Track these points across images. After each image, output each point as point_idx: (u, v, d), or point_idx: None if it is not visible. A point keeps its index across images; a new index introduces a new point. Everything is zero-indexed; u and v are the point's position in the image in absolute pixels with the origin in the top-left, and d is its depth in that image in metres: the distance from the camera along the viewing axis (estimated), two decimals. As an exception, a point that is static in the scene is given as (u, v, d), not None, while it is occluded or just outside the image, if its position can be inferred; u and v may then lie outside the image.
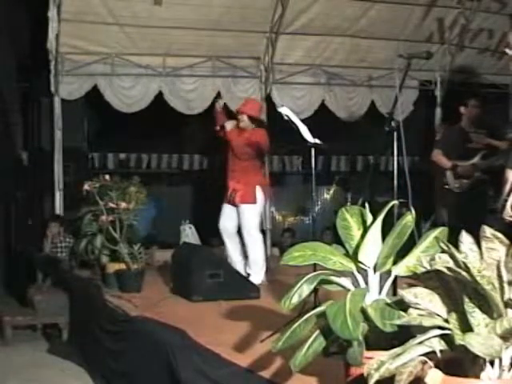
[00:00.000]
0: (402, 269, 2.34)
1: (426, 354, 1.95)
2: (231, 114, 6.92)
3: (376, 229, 2.37)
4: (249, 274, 6.14)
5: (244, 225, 6.27)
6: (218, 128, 6.64)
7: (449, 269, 1.93)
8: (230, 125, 6.51)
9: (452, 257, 1.94)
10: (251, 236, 6.22)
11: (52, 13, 8.29)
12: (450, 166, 6.47)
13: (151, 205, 10.63)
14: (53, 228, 8.29)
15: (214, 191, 10.53)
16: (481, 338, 1.85)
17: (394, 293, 2.63)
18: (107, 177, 6.13)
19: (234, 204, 6.30)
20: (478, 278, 1.85)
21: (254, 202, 6.27)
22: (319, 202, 12.82)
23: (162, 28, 8.81)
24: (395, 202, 2.82)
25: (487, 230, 1.97)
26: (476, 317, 1.90)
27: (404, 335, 2.05)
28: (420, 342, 1.95)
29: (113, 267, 6.01)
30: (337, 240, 2.53)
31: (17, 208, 10.64)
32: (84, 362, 5.49)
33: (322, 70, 9.86)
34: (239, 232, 6.38)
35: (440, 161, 6.59)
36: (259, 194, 6.33)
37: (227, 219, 6.37)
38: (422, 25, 9.52)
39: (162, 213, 11.07)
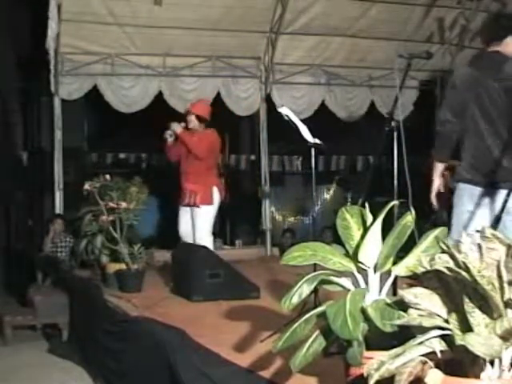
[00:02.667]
0: (402, 269, 2.34)
1: (426, 355, 1.95)
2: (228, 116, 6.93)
3: (376, 229, 2.37)
4: None
5: (198, 227, 6.37)
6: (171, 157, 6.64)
7: (449, 269, 1.93)
8: (178, 128, 6.49)
9: (452, 257, 1.94)
10: (201, 240, 6.27)
11: (52, 13, 8.30)
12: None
13: (154, 206, 10.65)
14: (57, 225, 8.28)
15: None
16: (481, 338, 1.85)
17: (394, 293, 2.63)
18: (107, 176, 6.13)
19: (192, 205, 6.37)
20: (478, 278, 1.85)
21: (211, 203, 6.39)
22: (319, 202, 12.82)
23: (162, 28, 8.81)
24: (395, 202, 2.82)
25: (487, 230, 1.97)
26: (476, 317, 1.90)
27: (404, 335, 2.05)
28: (420, 343, 1.95)
29: (113, 267, 6.01)
30: (337, 240, 2.53)
31: (17, 208, 10.64)
32: (84, 362, 5.49)
33: (322, 70, 9.87)
34: None
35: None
36: (216, 195, 6.45)
37: (187, 223, 6.47)
38: (422, 25, 9.53)
39: (166, 214, 11.07)
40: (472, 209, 3.87)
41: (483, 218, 3.78)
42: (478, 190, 3.87)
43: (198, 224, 6.39)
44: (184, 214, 6.51)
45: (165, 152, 6.75)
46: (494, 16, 4.38)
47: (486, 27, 4.18)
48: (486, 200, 3.80)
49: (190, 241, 6.41)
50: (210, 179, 6.46)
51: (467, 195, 3.92)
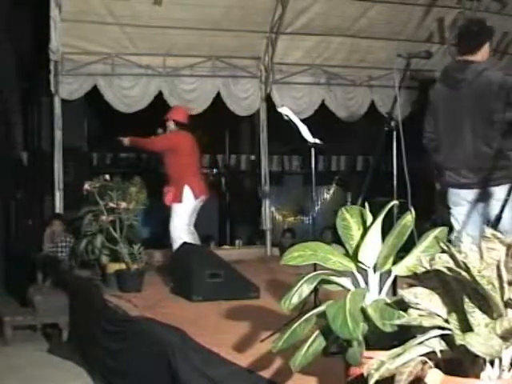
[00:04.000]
0: (401, 269, 2.34)
1: (426, 354, 1.95)
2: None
3: (376, 229, 2.37)
4: None
5: (172, 226, 6.81)
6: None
7: (449, 269, 1.93)
8: (125, 141, 7.09)
9: (452, 257, 1.94)
10: (178, 239, 6.61)
11: (53, 13, 8.30)
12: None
13: (159, 206, 10.64)
14: (54, 226, 8.28)
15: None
16: (481, 338, 1.85)
17: (394, 293, 2.63)
18: (107, 177, 6.14)
19: (168, 205, 6.85)
20: (478, 278, 1.85)
21: (179, 201, 6.77)
22: (319, 202, 12.83)
23: (162, 28, 8.81)
24: (395, 202, 2.82)
25: (487, 230, 1.97)
26: (476, 317, 1.90)
27: (404, 335, 2.05)
28: (420, 342, 1.95)
29: (113, 267, 6.01)
30: (337, 240, 2.53)
31: (17, 208, 10.64)
32: (84, 362, 5.49)
33: (322, 70, 9.87)
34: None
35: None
36: (187, 193, 6.77)
37: (169, 222, 6.93)
38: (422, 25, 9.53)
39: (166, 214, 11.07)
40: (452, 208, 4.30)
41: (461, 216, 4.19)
42: (453, 192, 4.28)
43: (171, 223, 6.82)
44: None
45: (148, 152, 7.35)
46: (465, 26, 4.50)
47: (464, 37, 4.29)
48: (461, 200, 4.19)
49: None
50: (181, 179, 6.79)
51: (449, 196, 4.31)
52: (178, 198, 6.79)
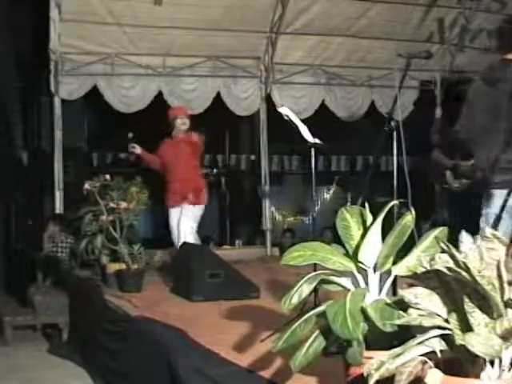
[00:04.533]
0: (401, 269, 2.34)
1: (426, 354, 1.95)
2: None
3: (376, 229, 2.37)
4: None
5: (181, 224, 6.82)
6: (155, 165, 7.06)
7: (449, 269, 1.93)
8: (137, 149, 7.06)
9: (452, 257, 1.94)
10: (179, 236, 6.79)
11: (53, 13, 8.30)
12: (451, 166, 6.47)
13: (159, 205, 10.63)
14: (50, 227, 8.28)
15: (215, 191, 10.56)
16: (481, 338, 1.85)
17: (394, 293, 2.63)
18: (107, 176, 6.14)
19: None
20: (478, 278, 1.85)
21: (199, 203, 6.90)
22: (319, 202, 12.83)
23: (162, 28, 8.81)
24: (395, 202, 2.82)
25: (487, 230, 1.97)
26: (476, 317, 1.90)
27: (404, 335, 2.05)
28: (420, 342, 1.95)
29: (113, 267, 6.01)
30: (337, 240, 2.53)
31: (17, 208, 10.63)
32: (84, 362, 5.49)
33: (322, 70, 9.87)
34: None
35: (441, 160, 6.59)
36: (205, 196, 7.00)
37: None
38: (422, 25, 9.53)
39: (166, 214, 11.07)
40: (495, 211, 3.99)
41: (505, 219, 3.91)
42: (497, 192, 4.02)
43: (182, 223, 6.81)
44: None
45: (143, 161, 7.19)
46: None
47: (505, 34, 4.17)
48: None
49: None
50: (200, 181, 7.05)
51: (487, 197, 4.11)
52: (199, 200, 6.79)
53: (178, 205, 6.82)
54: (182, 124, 6.86)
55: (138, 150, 6.96)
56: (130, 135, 6.89)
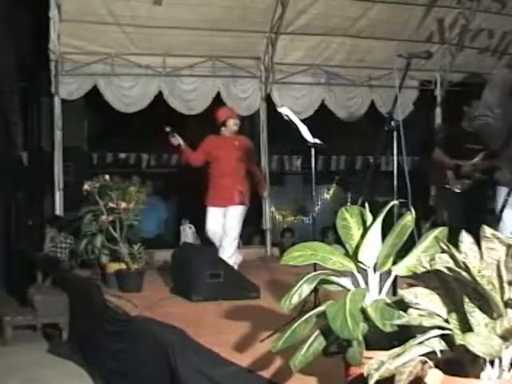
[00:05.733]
0: (401, 269, 2.34)
1: (426, 354, 1.95)
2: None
3: (376, 229, 2.37)
4: None
5: (229, 225, 6.71)
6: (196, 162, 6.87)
7: (449, 269, 1.93)
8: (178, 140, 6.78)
9: (452, 257, 1.94)
10: (226, 237, 6.69)
11: (53, 13, 8.30)
12: (453, 166, 6.47)
13: (161, 206, 10.66)
14: (48, 232, 8.29)
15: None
16: (481, 338, 1.85)
17: (394, 293, 2.63)
18: (107, 177, 6.14)
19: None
20: (478, 278, 1.85)
21: (246, 203, 6.75)
22: (319, 202, 12.83)
23: (162, 28, 8.81)
24: (395, 202, 2.82)
25: (487, 230, 1.97)
26: (476, 317, 1.90)
27: (404, 335, 2.05)
28: (420, 342, 1.95)
29: (113, 267, 6.01)
30: (337, 240, 2.53)
31: (17, 208, 10.63)
32: (84, 362, 5.49)
33: (322, 70, 9.87)
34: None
35: (442, 160, 6.59)
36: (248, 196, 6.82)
37: None
38: (422, 25, 9.53)
39: (166, 214, 11.09)
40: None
41: None
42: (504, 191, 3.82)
43: (231, 224, 6.71)
44: None
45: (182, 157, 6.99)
46: None
47: None
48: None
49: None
50: (245, 181, 6.88)
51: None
52: (243, 201, 6.66)
53: (221, 205, 6.65)
54: (234, 125, 6.85)
55: (178, 140, 6.68)
56: (168, 129, 6.65)
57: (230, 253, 6.49)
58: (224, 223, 6.60)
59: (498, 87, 3.93)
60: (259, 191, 6.92)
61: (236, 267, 6.34)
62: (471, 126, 4.05)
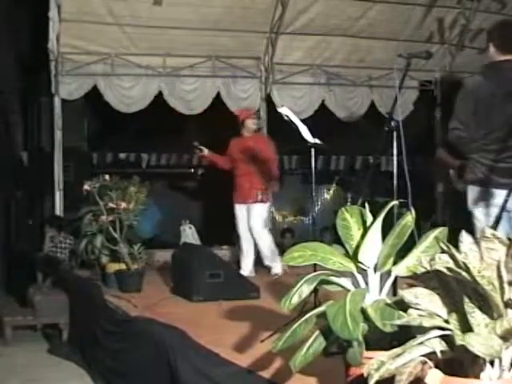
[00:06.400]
0: (402, 269, 2.34)
1: (426, 355, 1.95)
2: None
3: (376, 229, 2.37)
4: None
5: (254, 222, 7.03)
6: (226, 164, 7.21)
7: (449, 269, 1.93)
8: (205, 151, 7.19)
9: (452, 257, 1.94)
10: (252, 234, 7.05)
11: (53, 13, 8.30)
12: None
13: (155, 207, 10.64)
14: (48, 232, 8.29)
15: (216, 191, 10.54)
16: (481, 338, 1.85)
17: (394, 293, 2.63)
18: (107, 177, 6.14)
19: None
20: (478, 278, 1.85)
21: (268, 201, 7.24)
22: (319, 202, 12.82)
23: (162, 28, 8.81)
24: (395, 202, 2.82)
25: (487, 230, 1.97)
26: (476, 317, 1.90)
27: (404, 335, 2.05)
28: (420, 343, 1.95)
29: (113, 267, 6.02)
30: (337, 240, 2.53)
31: (17, 208, 10.63)
32: (84, 362, 5.49)
33: (322, 70, 9.87)
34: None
35: (446, 160, 6.57)
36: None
37: None
38: (422, 25, 9.53)
39: (166, 214, 11.07)
40: (471, 209, 4.04)
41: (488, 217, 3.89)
42: (478, 191, 3.99)
43: (256, 221, 7.03)
44: None
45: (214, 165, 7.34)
46: (504, 24, 4.34)
47: (499, 36, 4.16)
48: (485, 201, 3.91)
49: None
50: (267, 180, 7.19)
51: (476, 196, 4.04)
52: (266, 198, 7.03)
53: (244, 202, 6.97)
54: (253, 124, 7.06)
55: (205, 151, 7.17)
56: (196, 143, 7.14)
57: (265, 243, 6.93)
58: (248, 221, 6.97)
59: (471, 96, 4.01)
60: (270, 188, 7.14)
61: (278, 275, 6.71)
62: (446, 138, 4.16)
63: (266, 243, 6.94)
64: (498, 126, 3.96)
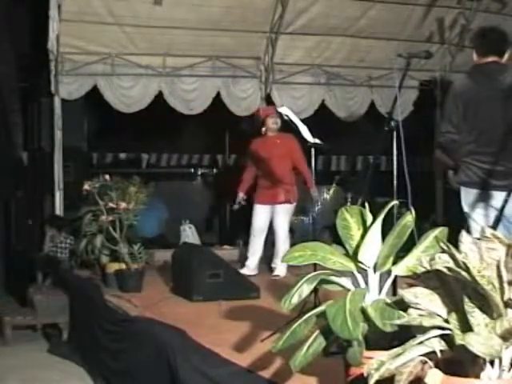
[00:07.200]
0: (401, 269, 2.34)
1: (426, 354, 1.96)
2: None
3: (376, 229, 2.38)
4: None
5: (280, 223, 7.02)
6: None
7: (449, 269, 1.93)
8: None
9: (452, 257, 1.94)
10: (279, 235, 7.03)
11: (53, 12, 8.30)
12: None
13: (161, 206, 10.64)
14: (48, 232, 8.29)
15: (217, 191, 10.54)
16: (481, 338, 1.85)
17: (394, 293, 2.63)
18: (107, 177, 6.14)
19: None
20: (478, 278, 1.85)
21: (294, 201, 7.26)
22: (319, 202, 12.81)
23: (162, 28, 8.81)
24: (395, 202, 2.82)
25: (487, 230, 1.97)
26: (476, 317, 1.90)
27: (404, 335, 2.05)
28: (420, 342, 1.95)
29: (113, 267, 6.02)
30: (337, 240, 2.53)
31: (17, 208, 10.63)
32: (84, 362, 5.49)
33: (322, 70, 9.86)
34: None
35: (443, 159, 6.58)
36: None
37: None
38: (422, 25, 9.52)
39: (168, 214, 11.07)
40: (467, 210, 4.09)
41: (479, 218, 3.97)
42: (473, 193, 4.06)
43: (283, 222, 7.03)
44: None
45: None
46: (483, 32, 4.39)
47: (481, 42, 4.23)
48: (481, 202, 3.93)
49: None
50: (292, 180, 7.28)
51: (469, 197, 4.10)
52: (291, 199, 7.00)
53: (268, 203, 6.91)
54: (273, 123, 6.90)
55: (243, 197, 7.17)
56: (236, 206, 7.23)
57: (287, 244, 6.77)
58: (273, 222, 6.91)
59: (460, 99, 4.05)
60: (308, 189, 7.03)
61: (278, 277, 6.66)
62: (438, 141, 4.21)
63: (287, 244, 6.83)
64: (486, 128, 3.99)
